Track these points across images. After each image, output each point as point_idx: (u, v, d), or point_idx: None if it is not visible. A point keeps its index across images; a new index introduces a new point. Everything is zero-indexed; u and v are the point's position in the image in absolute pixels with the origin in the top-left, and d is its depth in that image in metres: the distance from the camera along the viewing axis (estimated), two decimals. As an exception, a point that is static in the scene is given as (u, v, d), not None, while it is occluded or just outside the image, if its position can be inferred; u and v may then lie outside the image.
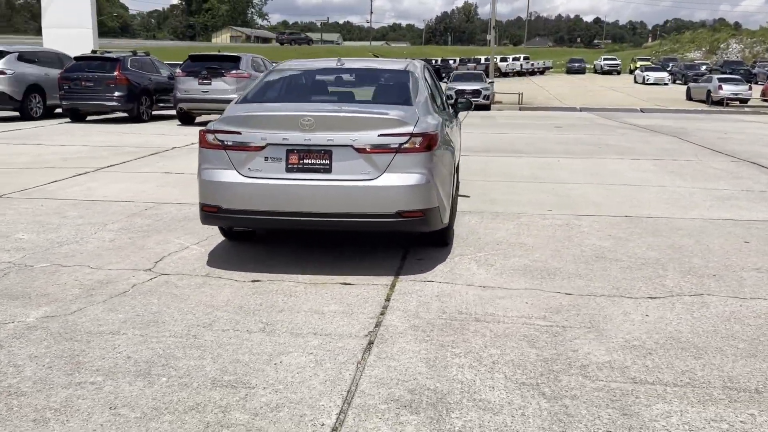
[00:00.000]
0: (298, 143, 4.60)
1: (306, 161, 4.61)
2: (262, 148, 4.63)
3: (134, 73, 16.43)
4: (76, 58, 16.85)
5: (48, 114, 17.06)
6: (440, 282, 4.60)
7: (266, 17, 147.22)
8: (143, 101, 16.60)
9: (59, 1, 26.63)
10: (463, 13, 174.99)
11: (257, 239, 5.65)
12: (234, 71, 15.78)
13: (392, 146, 4.57)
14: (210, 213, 4.78)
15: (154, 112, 17.36)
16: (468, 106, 7.44)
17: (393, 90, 5.45)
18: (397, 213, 4.60)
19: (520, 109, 26.71)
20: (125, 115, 16.54)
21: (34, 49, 18.18)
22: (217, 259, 5.10)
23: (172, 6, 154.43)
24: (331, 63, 5.93)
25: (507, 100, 29.57)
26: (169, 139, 12.95)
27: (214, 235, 5.63)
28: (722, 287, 4.55)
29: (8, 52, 16.45)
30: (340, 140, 4.57)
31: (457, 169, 7.48)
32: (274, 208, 4.63)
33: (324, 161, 4.60)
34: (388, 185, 4.56)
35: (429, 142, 4.66)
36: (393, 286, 4.51)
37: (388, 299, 4.26)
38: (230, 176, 4.67)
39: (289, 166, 4.62)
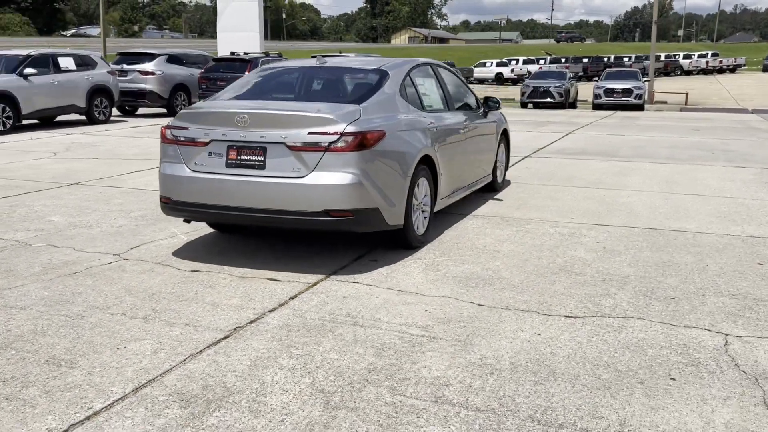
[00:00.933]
0: (236, 139, 4.74)
1: (243, 157, 4.74)
2: (207, 143, 4.83)
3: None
4: (214, 59, 18.25)
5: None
6: (364, 284, 4.52)
7: (445, 17, 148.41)
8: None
9: (232, 6, 28.92)
10: (650, 8, 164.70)
11: (248, 233, 5.86)
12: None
13: (322, 144, 4.56)
14: (164, 204, 5.07)
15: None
16: (497, 107, 7.17)
17: (353, 89, 5.41)
18: (324, 212, 4.59)
19: (680, 110, 24.66)
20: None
21: (183, 51, 19.91)
22: (187, 248, 5.38)
23: (360, 9, 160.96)
24: (310, 63, 6.01)
25: (673, 100, 27.45)
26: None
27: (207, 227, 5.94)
28: (665, 312, 4.04)
29: (159, 55, 18.22)
30: (273, 137, 4.65)
31: (494, 169, 7.25)
32: (215, 202, 4.81)
33: (259, 158, 4.70)
34: (315, 184, 4.57)
35: (361, 142, 4.59)
36: (314, 284, 4.51)
37: (293, 297, 4.27)
38: (180, 170, 4.93)
39: (229, 161, 4.78)
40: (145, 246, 5.44)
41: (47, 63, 14.88)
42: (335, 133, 4.56)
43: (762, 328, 3.79)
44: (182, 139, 4.92)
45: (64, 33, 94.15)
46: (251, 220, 4.86)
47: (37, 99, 14.32)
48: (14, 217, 6.42)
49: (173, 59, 18.41)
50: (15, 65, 14.25)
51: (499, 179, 7.94)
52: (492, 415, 2.83)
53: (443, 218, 6.38)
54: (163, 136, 5.07)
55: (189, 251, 5.30)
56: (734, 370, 3.26)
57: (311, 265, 4.93)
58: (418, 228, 5.40)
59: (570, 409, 2.88)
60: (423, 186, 5.42)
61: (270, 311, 4.03)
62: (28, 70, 14.23)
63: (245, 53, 19.12)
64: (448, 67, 7.05)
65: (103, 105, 16.16)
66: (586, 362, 3.34)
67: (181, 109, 17.68)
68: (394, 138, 4.95)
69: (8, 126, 13.67)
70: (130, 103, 18.17)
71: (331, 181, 4.56)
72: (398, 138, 5.02)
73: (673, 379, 3.16)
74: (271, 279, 4.63)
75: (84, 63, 15.88)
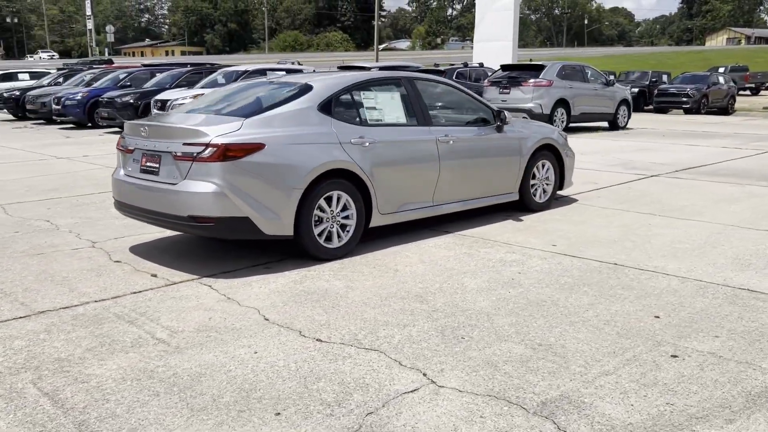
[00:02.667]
0: (144, 148, 5.33)
1: (147, 164, 5.31)
2: (132, 151, 5.50)
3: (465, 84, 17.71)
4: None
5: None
6: (213, 288, 4.76)
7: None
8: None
9: (488, 17, 29.55)
10: None
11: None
12: (532, 80, 15.72)
13: (192, 155, 4.93)
14: (114, 201, 5.85)
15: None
16: (505, 121, 6.72)
17: (265, 103, 5.56)
18: (190, 217, 4.94)
19: None
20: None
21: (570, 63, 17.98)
22: (150, 244, 6.10)
23: (679, 10, 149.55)
24: (257, 80, 6.30)
25: None
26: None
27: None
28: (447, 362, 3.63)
29: (368, 67, 19.55)
30: (162, 147, 5.14)
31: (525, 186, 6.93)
32: (132, 203, 5.46)
33: (156, 165, 5.22)
34: (183, 191, 4.95)
35: (225, 153, 4.85)
36: (175, 283, 4.88)
37: (136, 292, 4.71)
38: (118, 173, 5.68)
39: (141, 167, 5.38)
40: (123, 239, 6.26)
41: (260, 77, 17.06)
42: (202, 144, 4.89)
43: None
44: (122, 146, 5.66)
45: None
46: (150, 221, 5.39)
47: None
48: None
49: (460, 75, 19.41)
50: (233, 78, 16.63)
51: (540, 198, 7.31)
52: None
53: (415, 234, 6.21)
54: (118, 143, 5.85)
55: (149, 247, 6.00)
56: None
57: (207, 266, 5.30)
58: (331, 240, 5.42)
59: None
60: (339, 199, 5.41)
61: (98, 300, 4.53)
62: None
63: (449, 64, 19.52)
64: (441, 81, 6.77)
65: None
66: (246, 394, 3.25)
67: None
68: (279, 150, 5.07)
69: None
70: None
71: (194, 189, 4.90)
72: (287, 151, 5.11)
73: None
74: (153, 275, 5.11)
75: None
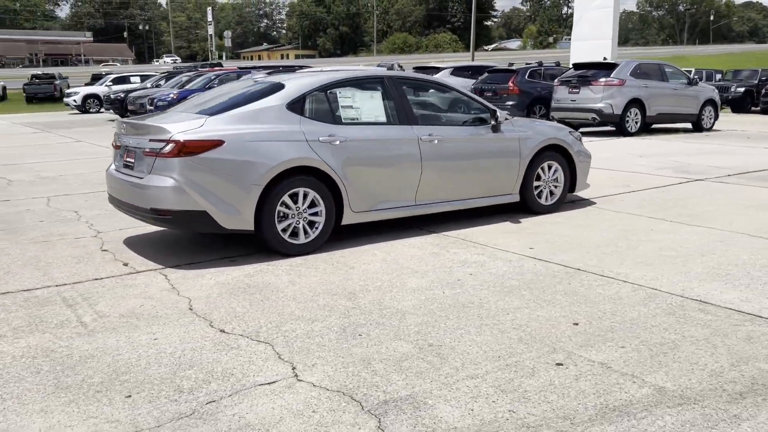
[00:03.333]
0: (125, 144, 5.67)
1: (127, 159, 5.64)
2: (119, 147, 5.86)
3: (528, 84, 17.33)
4: (489, 71, 18.66)
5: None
6: (166, 277, 5.00)
7: None
8: (536, 110, 17.34)
9: (587, 16, 28.70)
10: None
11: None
12: (603, 79, 15.12)
13: (155, 151, 5.20)
14: (107, 196, 6.24)
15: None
16: (498, 120, 6.57)
17: (236, 101, 5.72)
18: (152, 210, 5.22)
19: None
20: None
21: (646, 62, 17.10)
22: (147, 236, 6.46)
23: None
24: (238, 81, 6.47)
25: None
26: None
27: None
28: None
29: (442, 68, 19.51)
30: (136, 144, 5.45)
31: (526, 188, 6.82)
32: (116, 196, 5.81)
33: (132, 160, 5.54)
34: (146, 184, 5.23)
35: (182, 149, 5.08)
36: (140, 272, 5.17)
37: (98, 278, 5.03)
38: (110, 168, 6.05)
39: (123, 162, 5.72)
40: (122, 232, 6.67)
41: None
42: (163, 140, 5.15)
43: None
44: (114, 143, 6.04)
45: (486, 47, 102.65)
46: (129, 213, 5.69)
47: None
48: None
49: (456, 72, 19.42)
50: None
51: (546, 200, 7.10)
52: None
53: (398, 232, 6.22)
54: (112, 141, 6.24)
55: (146, 239, 6.36)
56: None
57: (180, 257, 5.55)
58: (297, 236, 5.53)
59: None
60: (306, 196, 5.51)
61: (59, 285, 4.89)
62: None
63: (532, 63, 19.09)
64: (432, 81, 6.72)
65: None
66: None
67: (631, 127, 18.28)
68: (239, 147, 5.24)
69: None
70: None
71: (155, 183, 5.16)
72: (248, 148, 5.26)
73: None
74: (125, 264, 5.43)
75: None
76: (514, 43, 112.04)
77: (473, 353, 3.56)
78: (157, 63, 74.65)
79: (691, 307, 4.22)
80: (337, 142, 5.65)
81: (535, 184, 7.02)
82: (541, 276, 4.92)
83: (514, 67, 18.04)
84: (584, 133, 12.49)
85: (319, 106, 5.80)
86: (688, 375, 3.27)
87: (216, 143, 5.18)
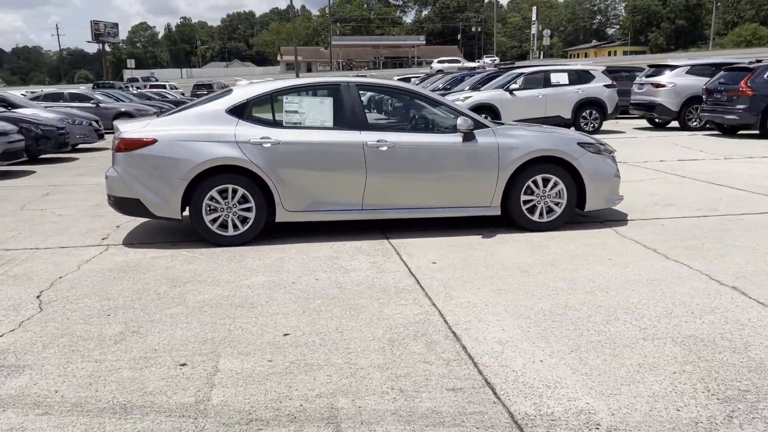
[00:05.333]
0: (118, 142, 6.80)
1: (117, 155, 6.75)
2: (129, 144, 7.02)
3: (766, 85, 14.74)
4: (725, 69, 16.18)
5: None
6: (93, 248, 6.00)
7: None
8: (769, 115, 14.73)
9: None
10: None
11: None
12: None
13: (113, 147, 6.22)
14: None
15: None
16: (469, 128, 6.25)
17: (191, 105, 6.36)
18: (107, 195, 6.25)
19: None
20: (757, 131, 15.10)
21: (709, 62, 18.01)
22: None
23: None
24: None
25: None
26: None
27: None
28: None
29: (678, 66, 17.50)
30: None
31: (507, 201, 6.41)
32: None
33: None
34: (107, 174, 6.26)
35: (120, 146, 6.02)
36: (78, 247, 6.27)
37: (47, 249, 6.23)
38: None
39: (121, 158, 6.86)
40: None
41: (539, 80, 17.00)
42: (116, 138, 6.13)
43: None
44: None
45: None
46: None
47: (518, 110, 16.62)
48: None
49: (694, 70, 17.29)
50: (506, 82, 16.98)
51: (541, 216, 6.47)
52: None
53: (351, 235, 6.37)
54: None
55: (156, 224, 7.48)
56: None
57: (145, 239, 6.52)
58: (226, 229, 6.10)
59: None
60: (235, 192, 6.03)
61: (26, 249, 6.19)
62: (513, 86, 16.71)
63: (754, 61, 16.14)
64: (401, 87, 6.54)
65: (592, 116, 17.08)
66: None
67: (692, 123, 16.82)
68: (169, 146, 5.97)
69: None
70: (646, 115, 18.21)
71: (109, 174, 6.19)
72: (177, 146, 5.96)
73: None
74: (104, 238, 6.58)
75: (580, 78, 17.17)
76: None
77: (177, 337, 3.83)
78: (478, 62, 77.83)
79: (442, 343, 3.82)
80: (268, 145, 6.04)
81: (526, 198, 6.45)
82: (370, 289, 4.75)
83: (753, 65, 15.42)
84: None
85: (260, 111, 6.24)
86: None
87: (149, 142, 6.00)
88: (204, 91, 48.03)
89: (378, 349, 3.71)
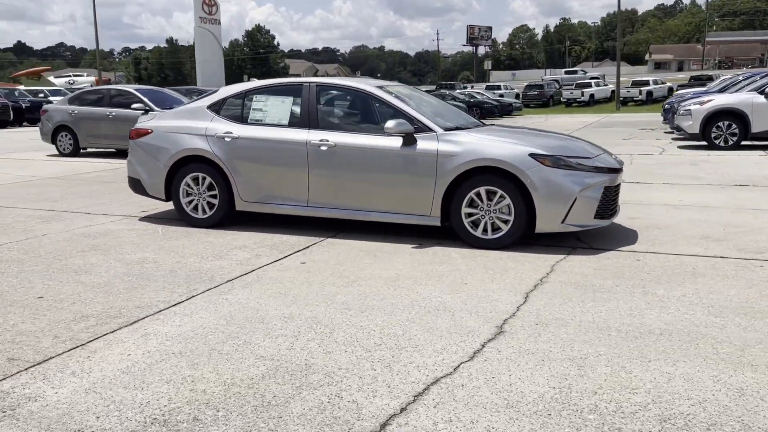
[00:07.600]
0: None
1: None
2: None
3: None
4: None
5: None
6: (112, 217, 7.26)
7: None
8: None
9: None
10: None
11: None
12: None
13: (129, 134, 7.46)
14: None
15: None
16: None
17: (189, 101, 7.09)
18: (128, 176, 7.49)
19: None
20: None
21: None
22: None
23: None
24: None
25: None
26: None
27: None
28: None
29: None
30: (138, 131, 7.73)
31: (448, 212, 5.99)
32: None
33: (145, 142, 7.84)
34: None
35: (132, 134, 7.22)
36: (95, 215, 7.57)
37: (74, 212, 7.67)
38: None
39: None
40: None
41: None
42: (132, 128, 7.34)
43: None
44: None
45: None
46: None
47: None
48: None
49: None
50: (764, 84, 14.18)
51: (486, 233, 5.79)
52: None
53: (292, 229, 6.61)
54: None
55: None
56: None
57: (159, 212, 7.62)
58: (197, 211, 6.86)
59: None
60: (204, 180, 6.75)
61: (48, 210, 7.76)
62: (768, 89, 13.93)
63: None
64: (357, 89, 6.42)
65: None
66: None
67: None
68: (159, 136, 6.93)
69: (731, 143, 14.21)
70: None
71: (128, 158, 7.44)
72: (164, 137, 6.88)
73: None
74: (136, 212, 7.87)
75: None
76: None
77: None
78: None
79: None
80: (229, 139, 6.61)
81: (469, 211, 5.85)
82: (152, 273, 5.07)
83: None
84: None
85: (233, 108, 6.81)
86: None
87: (146, 132, 7.06)
88: (535, 92, 48.61)
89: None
